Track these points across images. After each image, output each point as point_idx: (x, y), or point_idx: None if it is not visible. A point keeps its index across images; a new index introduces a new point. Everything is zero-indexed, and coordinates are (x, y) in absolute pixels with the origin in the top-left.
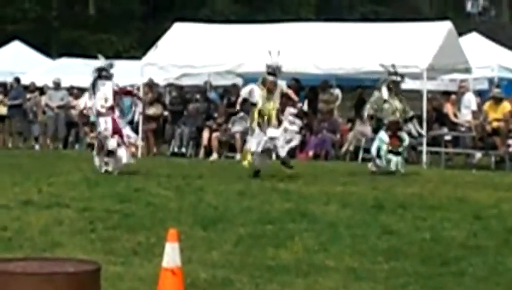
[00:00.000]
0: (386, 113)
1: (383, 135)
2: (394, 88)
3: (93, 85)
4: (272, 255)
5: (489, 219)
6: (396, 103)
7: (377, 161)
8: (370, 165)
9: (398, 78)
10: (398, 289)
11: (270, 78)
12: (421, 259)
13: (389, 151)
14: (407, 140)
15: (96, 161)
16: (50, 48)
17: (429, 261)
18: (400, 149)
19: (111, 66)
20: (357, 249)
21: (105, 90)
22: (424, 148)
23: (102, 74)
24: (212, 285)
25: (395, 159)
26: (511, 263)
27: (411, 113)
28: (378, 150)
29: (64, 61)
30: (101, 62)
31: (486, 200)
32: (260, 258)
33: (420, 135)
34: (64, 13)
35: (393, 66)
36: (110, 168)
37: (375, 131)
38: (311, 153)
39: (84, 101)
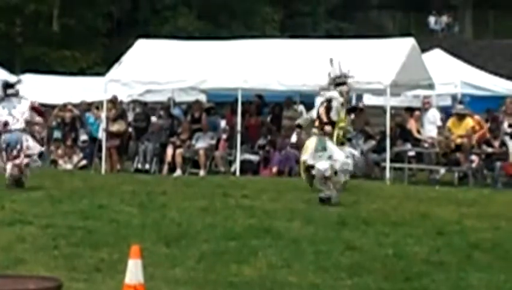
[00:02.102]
0: None
1: None
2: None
3: None
4: (235, 271)
5: (452, 235)
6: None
7: None
8: None
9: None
10: None
11: (345, 88)
12: (384, 275)
13: None
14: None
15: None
16: (13, 64)
17: (392, 277)
18: None
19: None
20: (320, 266)
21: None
22: (388, 164)
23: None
24: None
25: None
26: (474, 279)
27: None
28: None
29: (28, 78)
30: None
31: (449, 216)
32: (223, 275)
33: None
34: (28, 30)
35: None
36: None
37: None
38: (275, 170)
39: None
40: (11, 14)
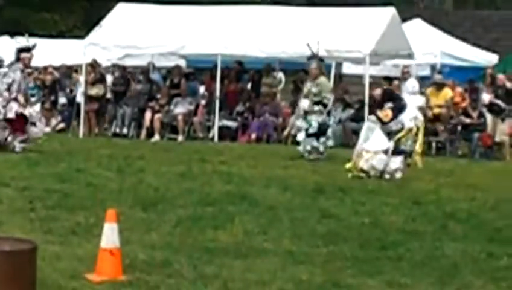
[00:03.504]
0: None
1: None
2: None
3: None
4: (211, 237)
5: (428, 205)
6: (309, 87)
7: None
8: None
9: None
10: (335, 272)
11: None
12: (360, 243)
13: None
14: (312, 124)
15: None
16: None
17: (367, 246)
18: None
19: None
20: (296, 233)
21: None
22: None
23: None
24: (150, 266)
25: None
26: (448, 248)
27: (325, 100)
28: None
29: (7, 40)
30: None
31: (426, 186)
32: (199, 240)
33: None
34: None
35: (308, 45)
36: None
37: None
38: (253, 136)
39: None
40: None
